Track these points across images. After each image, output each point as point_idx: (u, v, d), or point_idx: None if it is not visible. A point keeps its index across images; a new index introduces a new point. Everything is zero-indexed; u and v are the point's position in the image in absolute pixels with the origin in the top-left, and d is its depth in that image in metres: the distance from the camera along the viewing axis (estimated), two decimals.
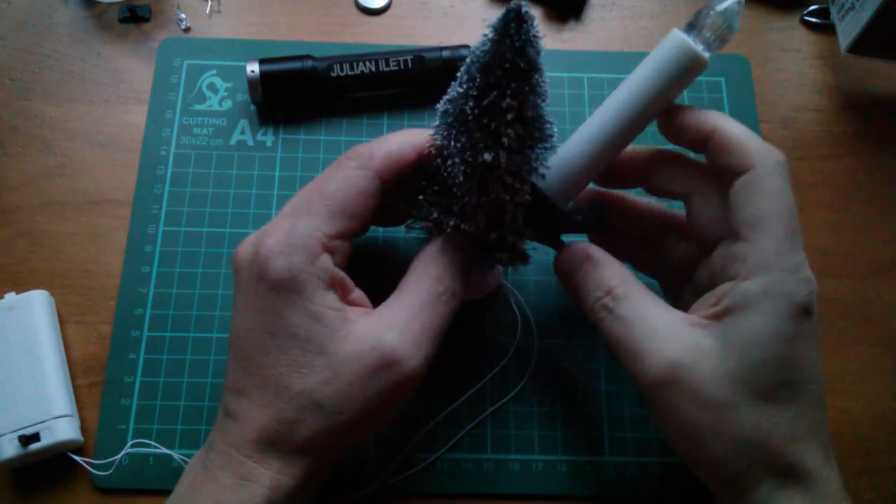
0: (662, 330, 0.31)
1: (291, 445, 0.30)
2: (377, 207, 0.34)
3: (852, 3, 0.47)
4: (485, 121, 0.29)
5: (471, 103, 0.29)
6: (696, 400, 0.30)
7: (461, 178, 0.31)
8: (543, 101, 0.30)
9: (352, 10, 0.50)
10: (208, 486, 0.30)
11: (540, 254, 0.43)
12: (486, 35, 0.28)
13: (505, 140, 0.29)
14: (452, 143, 0.31)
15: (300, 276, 0.30)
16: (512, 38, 0.27)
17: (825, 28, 0.51)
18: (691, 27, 0.31)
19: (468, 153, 0.30)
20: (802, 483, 0.30)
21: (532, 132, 0.30)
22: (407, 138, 0.34)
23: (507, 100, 0.28)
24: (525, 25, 0.27)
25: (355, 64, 0.45)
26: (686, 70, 0.31)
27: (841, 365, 0.42)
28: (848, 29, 0.47)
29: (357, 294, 0.34)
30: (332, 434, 0.30)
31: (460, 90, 0.30)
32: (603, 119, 0.32)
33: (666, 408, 0.31)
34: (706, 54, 0.31)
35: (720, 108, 0.48)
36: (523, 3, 0.27)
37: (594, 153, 0.33)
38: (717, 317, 0.31)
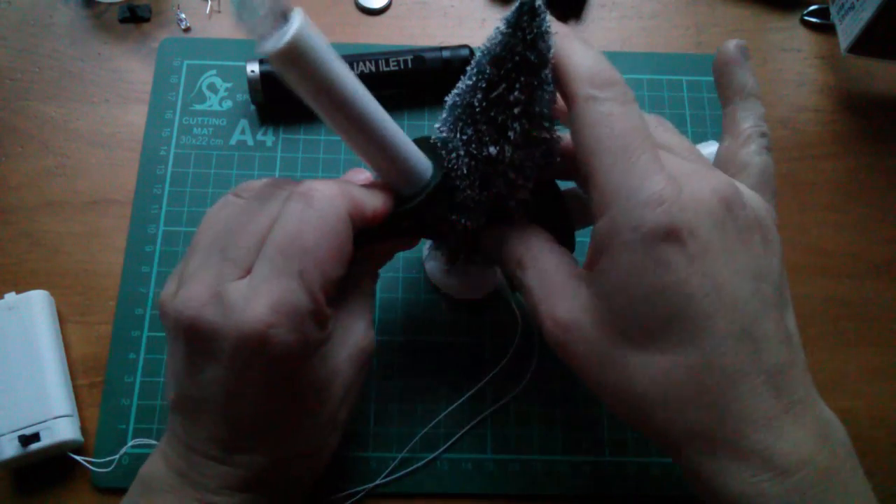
0: (554, 290, 0.29)
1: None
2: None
3: (852, 3, 0.47)
4: (492, 113, 0.29)
5: (479, 95, 0.29)
6: (587, 357, 0.27)
7: (464, 171, 0.31)
8: (552, 98, 0.30)
9: (352, 10, 0.50)
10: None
11: None
12: (498, 28, 0.28)
13: (511, 134, 0.29)
14: (458, 136, 0.31)
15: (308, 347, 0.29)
16: (524, 31, 0.27)
17: (825, 28, 0.51)
18: None
19: (473, 146, 0.30)
20: (731, 447, 0.24)
21: (538, 128, 0.30)
22: (360, 190, 0.31)
23: (516, 93, 0.28)
24: (538, 19, 0.27)
25: (355, 64, 0.45)
26: None
27: (841, 365, 0.42)
28: (848, 29, 0.47)
29: None
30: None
31: (469, 83, 0.30)
32: None
33: (573, 369, 0.28)
34: None
35: (720, 109, 0.47)
36: None
37: None
38: (589, 265, 0.28)
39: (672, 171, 0.26)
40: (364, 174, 0.34)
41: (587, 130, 0.27)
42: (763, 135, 0.32)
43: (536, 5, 0.27)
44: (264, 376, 0.28)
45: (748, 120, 0.32)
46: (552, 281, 0.29)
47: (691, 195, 0.26)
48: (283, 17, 0.25)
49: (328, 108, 0.28)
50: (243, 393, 0.28)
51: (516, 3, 0.27)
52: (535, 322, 0.30)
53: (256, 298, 0.27)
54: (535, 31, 0.27)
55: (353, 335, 0.32)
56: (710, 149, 0.42)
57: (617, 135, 0.26)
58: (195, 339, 0.28)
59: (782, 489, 0.24)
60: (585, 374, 0.28)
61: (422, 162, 0.32)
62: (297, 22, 0.25)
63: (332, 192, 0.29)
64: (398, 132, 0.31)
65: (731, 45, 0.32)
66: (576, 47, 0.29)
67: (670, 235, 0.25)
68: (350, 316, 0.32)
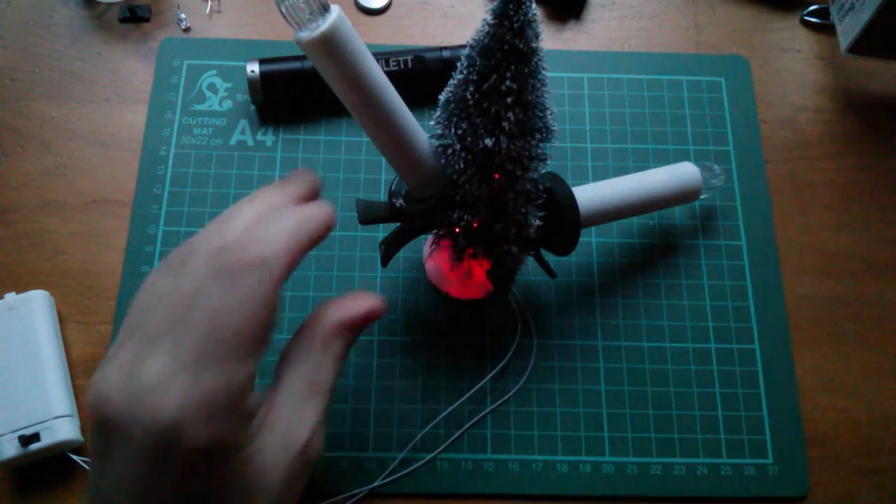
0: None
1: None
2: None
3: (852, 3, 0.47)
4: (485, 105, 0.29)
5: (471, 88, 0.29)
6: None
7: (462, 165, 0.31)
8: (543, 86, 0.30)
9: (352, 10, 0.50)
10: None
11: None
12: (485, 20, 0.28)
13: (505, 124, 0.29)
14: (453, 131, 0.31)
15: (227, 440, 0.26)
16: (511, 19, 0.27)
17: (825, 28, 0.51)
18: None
19: (469, 139, 0.30)
20: None
21: (532, 118, 0.30)
22: (303, 221, 0.28)
23: (507, 82, 0.28)
24: (523, 7, 0.27)
25: None
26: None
27: (841, 365, 0.42)
28: (848, 29, 0.47)
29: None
30: None
31: (460, 77, 0.30)
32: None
33: None
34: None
35: (720, 108, 0.48)
36: None
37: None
38: None
39: None
40: (310, 174, 0.31)
41: None
42: None
43: None
44: (177, 475, 0.25)
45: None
46: None
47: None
48: (324, 8, 0.27)
49: (354, 101, 0.29)
50: (154, 493, 0.25)
51: None
52: None
53: (168, 388, 0.24)
54: (521, 19, 0.27)
55: (292, 438, 0.28)
56: (682, 168, 0.41)
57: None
58: (105, 427, 0.25)
59: None
60: None
61: (440, 167, 0.32)
62: (335, 15, 0.27)
63: (260, 264, 0.26)
64: (421, 135, 0.31)
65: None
66: None
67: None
68: (291, 415, 0.29)
